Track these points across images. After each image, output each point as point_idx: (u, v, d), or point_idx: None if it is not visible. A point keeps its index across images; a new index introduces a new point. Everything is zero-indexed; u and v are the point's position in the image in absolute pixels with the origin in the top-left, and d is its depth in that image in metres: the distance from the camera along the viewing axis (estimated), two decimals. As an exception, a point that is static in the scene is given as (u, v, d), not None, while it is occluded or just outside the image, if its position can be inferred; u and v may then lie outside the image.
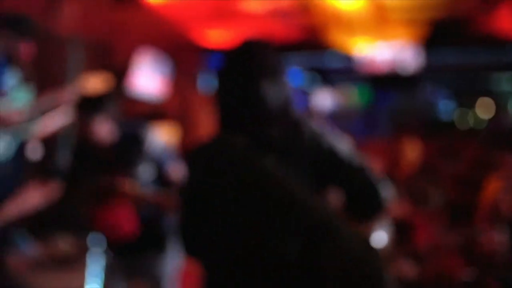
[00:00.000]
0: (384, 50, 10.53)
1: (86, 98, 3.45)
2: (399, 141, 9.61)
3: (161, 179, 3.44)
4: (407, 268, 4.92)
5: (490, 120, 14.77)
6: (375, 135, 14.24)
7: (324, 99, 17.17)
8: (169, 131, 9.17)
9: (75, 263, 4.97)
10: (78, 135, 3.42)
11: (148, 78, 8.53)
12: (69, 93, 4.32)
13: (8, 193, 4.14)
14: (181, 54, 9.93)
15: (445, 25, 9.41)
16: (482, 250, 3.73)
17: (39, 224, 6.04)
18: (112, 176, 3.30)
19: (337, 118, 14.19)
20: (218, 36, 8.46)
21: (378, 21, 6.93)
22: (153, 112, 9.04)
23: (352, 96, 17.12)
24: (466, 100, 16.64)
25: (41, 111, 4.25)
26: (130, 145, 3.38)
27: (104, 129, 3.28)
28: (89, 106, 3.31)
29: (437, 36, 9.85)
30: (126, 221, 3.29)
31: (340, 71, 14.84)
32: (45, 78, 6.97)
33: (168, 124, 9.55)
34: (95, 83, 4.56)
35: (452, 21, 9.30)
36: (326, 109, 16.88)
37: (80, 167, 3.42)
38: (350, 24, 7.04)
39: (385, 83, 12.81)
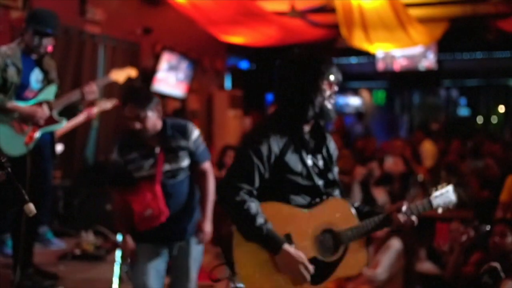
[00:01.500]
0: (403, 50, 10.63)
1: (136, 90, 3.64)
2: (420, 139, 9.77)
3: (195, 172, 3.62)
4: (428, 265, 5.05)
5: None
6: (396, 134, 14.29)
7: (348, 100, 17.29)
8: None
9: (104, 256, 5.17)
10: (126, 127, 3.52)
11: (174, 77, 8.70)
12: (97, 87, 4.44)
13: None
14: (206, 53, 10.11)
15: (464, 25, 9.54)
16: (497, 246, 3.87)
17: (69, 218, 6.26)
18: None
19: (359, 118, 14.21)
20: (241, 36, 8.61)
21: (397, 20, 7.02)
22: (180, 110, 9.21)
23: (372, 96, 17.18)
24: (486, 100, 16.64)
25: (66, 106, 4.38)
26: (177, 138, 3.52)
27: (152, 121, 3.44)
28: (140, 98, 3.46)
29: (455, 36, 9.95)
30: (154, 205, 3.43)
31: (361, 71, 14.97)
32: (76, 76, 7.22)
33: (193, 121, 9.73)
34: (122, 77, 4.69)
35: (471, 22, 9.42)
36: (346, 110, 16.99)
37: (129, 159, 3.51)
38: (370, 22, 7.13)
39: (404, 81, 12.89)
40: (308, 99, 2.59)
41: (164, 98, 8.79)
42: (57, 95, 4.42)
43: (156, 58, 8.34)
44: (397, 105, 17.38)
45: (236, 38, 8.74)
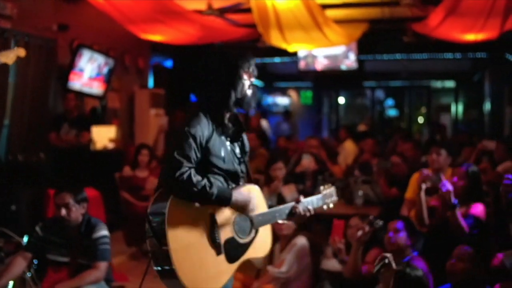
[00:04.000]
0: (324, 49, 10.80)
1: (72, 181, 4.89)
2: (343, 138, 9.94)
3: None
4: (334, 262, 5.12)
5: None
6: (320, 134, 14.53)
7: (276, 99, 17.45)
8: (114, 127, 9.19)
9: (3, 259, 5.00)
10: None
11: (90, 74, 8.51)
12: None
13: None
14: (128, 52, 9.96)
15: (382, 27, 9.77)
16: (391, 242, 4.00)
17: None
18: None
19: (286, 117, 14.36)
20: (161, 34, 8.51)
21: (313, 20, 7.10)
22: (97, 108, 9.03)
23: (297, 97, 17.38)
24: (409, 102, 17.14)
25: None
26: (87, 234, 4.16)
27: (76, 213, 4.14)
28: (75, 190, 4.21)
29: (375, 37, 10.19)
30: None
31: (285, 72, 15.12)
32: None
33: (114, 120, 9.57)
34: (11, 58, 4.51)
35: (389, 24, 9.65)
36: (274, 110, 17.13)
37: None
38: (285, 23, 7.19)
39: (327, 81, 13.10)
40: (231, 86, 2.89)
41: (81, 96, 8.62)
42: None
43: (73, 55, 8.13)
44: (325, 106, 17.68)
45: (156, 36, 8.63)
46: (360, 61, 11.28)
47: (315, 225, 5.37)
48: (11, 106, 7.51)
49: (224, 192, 2.75)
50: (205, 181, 2.67)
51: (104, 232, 4.10)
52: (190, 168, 2.66)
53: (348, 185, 6.30)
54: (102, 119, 9.10)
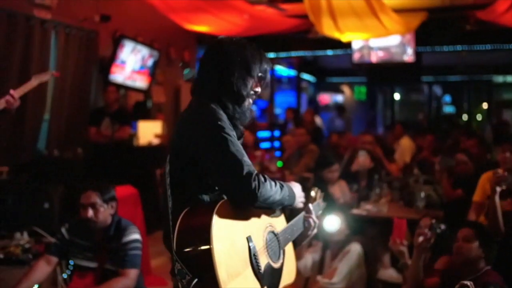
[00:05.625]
0: (379, 41, 10.18)
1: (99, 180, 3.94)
2: (399, 135, 9.33)
3: None
4: (392, 272, 4.59)
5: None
6: (374, 130, 13.92)
7: (324, 96, 16.94)
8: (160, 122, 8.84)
9: (29, 261, 4.70)
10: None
11: (133, 67, 8.19)
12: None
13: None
14: (173, 44, 9.64)
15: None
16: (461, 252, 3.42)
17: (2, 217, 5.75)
18: None
19: (340, 113, 13.76)
20: (206, 25, 8.12)
21: (368, 7, 6.55)
22: (141, 102, 8.74)
23: (354, 92, 16.84)
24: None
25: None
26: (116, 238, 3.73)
27: (104, 214, 3.70)
28: (101, 188, 3.77)
29: (434, 27, 9.56)
30: None
31: (337, 66, 14.57)
32: (24, 64, 6.71)
33: (158, 115, 9.26)
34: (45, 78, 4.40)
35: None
36: (327, 104, 16.63)
37: None
38: (338, 10, 6.65)
39: (382, 77, 12.45)
40: (230, 94, 2.22)
41: (125, 89, 8.32)
42: None
43: (115, 47, 7.81)
44: (380, 101, 17.04)
45: (201, 27, 8.24)
46: (417, 54, 10.59)
47: (370, 229, 4.84)
48: (51, 100, 7.26)
49: (291, 189, 2.26)
50: (278, 184, 2.15)
51: (135, 235, 3.65)
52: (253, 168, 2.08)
53: (407, 185, 5.67)
54: (146, 114, 8.78)
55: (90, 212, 3.60)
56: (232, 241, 2.02)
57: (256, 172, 2.04)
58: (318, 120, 11.25)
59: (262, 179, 2.03)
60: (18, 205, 5.35)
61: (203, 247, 1.92)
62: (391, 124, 12.53)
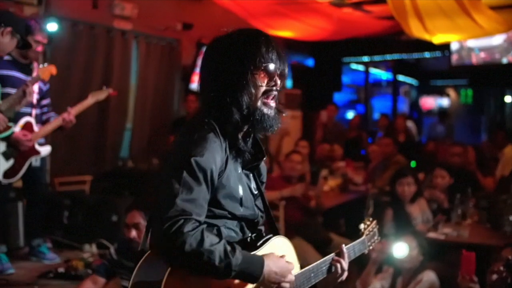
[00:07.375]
0: (479, 41, 9.40)
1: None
2: (501, 143, 8.43)
3: None
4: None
5: None
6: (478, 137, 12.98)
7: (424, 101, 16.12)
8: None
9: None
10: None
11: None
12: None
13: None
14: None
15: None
16: None
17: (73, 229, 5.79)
18: None
19: (441, 118, 12.90)
20: (290, 30, 7.84)
21: (458, 6, 5.97)
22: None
23: (460, 95, 15.87)
24: None
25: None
26: None
27: None
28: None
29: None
30: None
31: (437, 69, 13.74)
32: (106, 74, 6.78)
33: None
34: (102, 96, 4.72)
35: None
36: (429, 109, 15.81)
37: None
38: (424, 10, 6.12)
39: (487, 79, 11.55)
40: (231, 96, 1.78)
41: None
42: None
43: (196, 55, 7.73)
44: (489, 105, 15.87)
45: (285, 32, 7.97)
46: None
47: (449, 255, 4.32)
48: (133, 109, 7.30)
49: (251, 263, 1.66)
50: (223, 243, 1.60)
51: None
52: (199, 222, 1.59)
53: (497, 204, 4.94)
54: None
55: (133, 233, 3.43)
56: None
57: (194, 219, 1.56)
58: (410, 124, 10.52)
59: (203, 239, 1.54)
60: (88, 217, 5.37)
61: None
62: (492, 131, 11.33)
